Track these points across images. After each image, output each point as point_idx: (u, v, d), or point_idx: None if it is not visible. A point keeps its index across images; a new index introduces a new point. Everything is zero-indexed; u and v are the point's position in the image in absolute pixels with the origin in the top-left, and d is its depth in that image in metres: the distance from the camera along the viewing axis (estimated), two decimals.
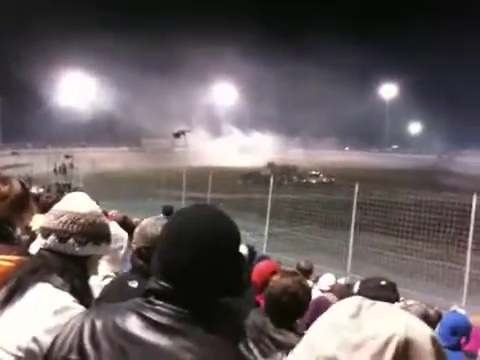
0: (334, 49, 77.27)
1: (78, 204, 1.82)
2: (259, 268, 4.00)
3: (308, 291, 2.62)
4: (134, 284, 2.31)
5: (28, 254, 2.10)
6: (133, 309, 1.20)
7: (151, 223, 2.46)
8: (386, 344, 0.82)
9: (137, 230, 2.55)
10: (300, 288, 2.57)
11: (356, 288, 3.46)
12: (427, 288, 9.22)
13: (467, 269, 9.56)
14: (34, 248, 2.39)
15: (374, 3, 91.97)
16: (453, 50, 73.17)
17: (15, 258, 2.00)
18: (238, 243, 1.29)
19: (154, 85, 68.12)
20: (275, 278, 2.64)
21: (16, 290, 1.60)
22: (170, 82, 70.26)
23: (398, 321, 0.86)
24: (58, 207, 1.83)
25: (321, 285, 5.98)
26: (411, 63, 77.99)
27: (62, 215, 1.79)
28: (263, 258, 5.89)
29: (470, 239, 9.64)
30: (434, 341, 0.86)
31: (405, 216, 11.26)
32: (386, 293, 2.64)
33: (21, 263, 1.94)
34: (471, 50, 69.93)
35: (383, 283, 2.67)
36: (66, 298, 1.60)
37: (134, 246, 2.53)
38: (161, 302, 1.19)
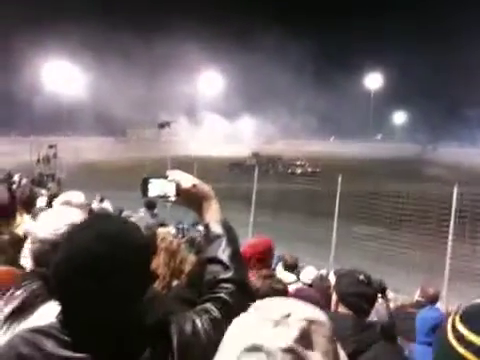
0: (319, 37, 77.36)
1: (76, 215, 1.79)
2: (251, 243, 3.95)
3: (280, 294, 2.62)
4: None
5: (16, 263, 2.11)
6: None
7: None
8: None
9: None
10: (271, 292, 2.58)
11: (332, 282, 3.46)
12: (409, 278, 9.35)
13: (447, 260, 9.72)
14: (26, 253, 2.40)
15: None
16: (441, 38, 73.51)
17: (1, 268, 2.01)
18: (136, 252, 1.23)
19: (139, 75, 67.53)
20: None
21: (23, 310, 1.59)
22: (155, 72, 69.78)
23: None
24: (55, 219, 1.79)
25: (303, 278, 6.03)
26: (396, 52, 78.34)
27: (59, 229, 1.75)
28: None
29: (451, 230, 9.78)
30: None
31: (389, 206, 11.40)
32: (365, 289, 2.65)
33: (6, 272, 1.95)
34: (459, 39, 70.37)
35: (361, 278, 2.68)
36: None
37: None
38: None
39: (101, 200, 11.84)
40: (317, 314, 0.88)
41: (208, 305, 1.39)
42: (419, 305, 5.24)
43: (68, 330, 1.19)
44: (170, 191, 1.59)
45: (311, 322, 0.85)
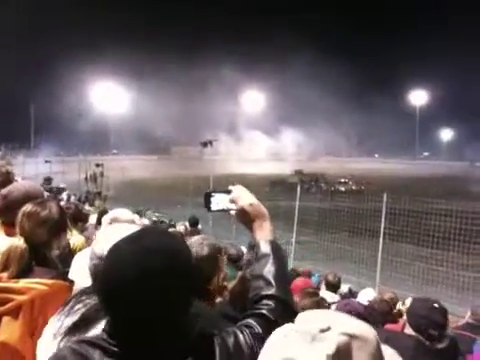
0: (365, 52, 76.70)
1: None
2: (295, 284, 4.02)
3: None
4: None
5: (65, 277, 2.18)
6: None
7: (198, 242, 2.42)
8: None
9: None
10: (315, 308, 2.58)
11: (407, 305, 3.45)
12: (457, 299, 9.03)
13: None
14: (75, 269, 2.47)
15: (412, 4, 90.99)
16: None
17: (51, 282, 2.08)
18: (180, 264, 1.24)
19: (181, 95, 68.83)
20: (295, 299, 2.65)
21: (84, 323, 1.61)
22: (199, 91, 70.95)
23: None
24: (113, 235, 1.83)
25: (360, 299, 5.92)
26: (441, 68, 76.76)
27: None
28: (292, 271, 5.89)
29: None
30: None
31: (435, 225, 11.07)
32: (436, 316, 2.66)
33: (57, 287, 2.00)
34: None
35: (435, 305, 2.69)
36: None
37: None
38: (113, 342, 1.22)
39: (139, 214, 12.01)
40: (361, 329, 0.85)
41: (250, 320, 1.41)
42: (471, 327, 5.06)
43: (115, 341, 1.21)
44: (231, 206, 1.64)
45: (352, 337, 0.82)
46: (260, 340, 1.30)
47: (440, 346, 2.73)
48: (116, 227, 1.81)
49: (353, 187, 32.20)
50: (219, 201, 1.67)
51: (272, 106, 79.55)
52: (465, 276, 10.18)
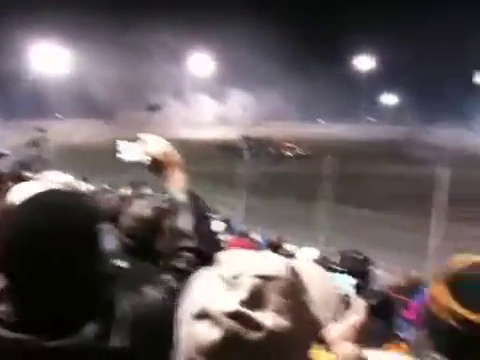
0: (309, 18, 76.67)
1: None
2: (231, 244, 4.03)
3: None
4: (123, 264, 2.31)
5: None
6: None
7: (141, 205, 2.51)
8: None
9: (127, 209, 2.57)
10: None
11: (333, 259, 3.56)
12: (399, 259, 9.42)
13: (432, 240, 9.79)
14: None
15: None
16: (433, 21, 73.26)
17: None
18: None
19: (127, 57, 66.81)
20: None
21: None
22: (142, 55, 69.03)
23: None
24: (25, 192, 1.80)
25: (299, 257, 6.04)
26: (387, 34, 78.00)
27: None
28: (241, 234, 5.94)
29: (435, 210, 9.87)
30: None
31: (379, 188, 11.42)
32: (357, 265, 2.75)
33: None
34: (453, 22, 70.21)
35: (360, 257, 2.77)
36: None
37: (123, 224, 2.52)
38: None
39: (84, 179, 11.75)
40: (274, 269, 0.82)
41: (168, 276, 1.38)
42: (402, 290, 5.31)
43: (9, 308, 1.16)
44: (142, 155, 1.59)
45: (264, 278, 0.80)
46: (177, 296, 1.26)
47: (370, 302, 2.82)
48: (25, 185, 1.80)
49: (299, 152, 32.62)
50: (133, 151, 1.61)
51: (218, 70, 78.70)
52: (405, 236, 10.59)
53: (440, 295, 1.23)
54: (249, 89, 72.72)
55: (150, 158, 1.58)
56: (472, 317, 1.15)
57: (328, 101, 73.60)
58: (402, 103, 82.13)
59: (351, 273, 2.69)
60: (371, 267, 3.41)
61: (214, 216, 7.98)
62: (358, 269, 2.79)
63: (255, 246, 5.98)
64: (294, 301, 0.82)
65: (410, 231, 10.41)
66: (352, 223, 11.49)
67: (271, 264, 0.83)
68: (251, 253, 0.88)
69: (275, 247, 6.42)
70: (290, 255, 6.69)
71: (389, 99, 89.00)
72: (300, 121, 70.30)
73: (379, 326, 2.95)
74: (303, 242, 10.09)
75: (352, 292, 2.21)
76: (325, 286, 0.93)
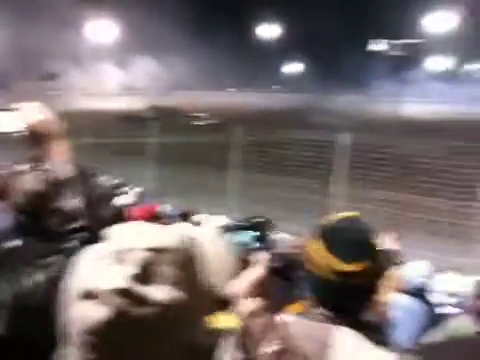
0: None
1: None
2: (138, 217, 4.00)
3: None
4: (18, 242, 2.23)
5: None
6: None
7: (31, 179, 2.37)
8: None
9: (16, 184, 2.45)
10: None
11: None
12: (306, 221, 9.85)
13: (334, 202, 10.39)
14: None
15: None
16: None
17: None
18: None
19: (21, 21, 62.15)
20: None
21: None
22: (38, 17, 64.58)
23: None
24: None
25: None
26: (289, 3, 79.20)
27: None
28: (151, 205, 5.92)
29: (336, 173, 10.49)
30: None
31: (285, 154, 11.79)
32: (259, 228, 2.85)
33: None
34: None
35: (254, 220, 2.86)
36: None
37: (15, 200, 2.42)
38: None
39: None
40: (166, 240, 0.80)
41: (59, 256, 1.25)
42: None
43: None
44: (20, 126, 1.45)
45: (155, 251, 0.76)
46: (63, 275, 1.14)
47: (274, 265, 2.99)
48: None
49: (207, 121, 32.61)
50: (8, 122, 1.46)
51: (121, 36, 75.71)
52: (309, 199, 11.01)
53: (315, 251, 1.29)
54: (155, 57, 70.98)
55: (27, 128, 1.44)
56: (345, 268, 1.23)
57: (235, 70, 73.89)
58: (304, 72, 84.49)
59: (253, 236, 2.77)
60: (274, 230, 3.54)
61: (123, 188, 7.82)
62: (258, 233, 2.88)
63: (164, 217, 5.97)
64: (189, 272, 0.80)
65: (315, 194, 10.87)
66: (261, 189, 11.80)
67: (162, 236, 0.80)
68: (143, 226, 0.84)
69: (185, 217, 6.47)
70: (199, 224, 6.80)
71: (292, 68, 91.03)
72: (208, 90, 70.01)
73: (284, 288, 3.09)
74: (215, 210, 10.25)
75: (255, 245, 2.29)
76: (220, 252, 0.92)
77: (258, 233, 2.73)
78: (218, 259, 0.89)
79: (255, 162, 12.08)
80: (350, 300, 1.28)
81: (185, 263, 0.79)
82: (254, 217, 2.88)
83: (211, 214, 8.37)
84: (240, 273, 1.03)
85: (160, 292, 0.74)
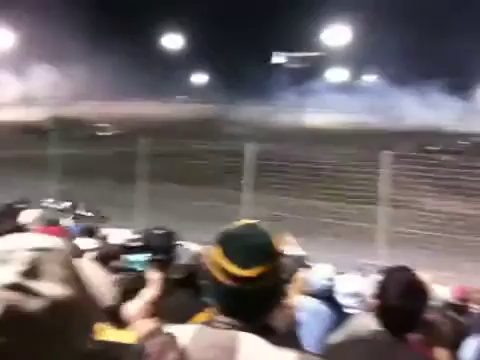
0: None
1: None
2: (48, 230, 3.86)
3: None
4: None
5: None
6: None
7: None
8: None
9: None
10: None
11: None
12: (213, 229, 9.89)
13: (243, 209, 10.58)
14: None
15: None
16: (238, 3, 76.51)
17: None
18: None
19: None
20: None
21: None
22: None
23: None
24: None
25: (112, 240, 5.96)
26: (195, 12, 79.64)
27: None
28: (52, 223, 5.62)
29: (245, 182, 10.71)
30: None
31: (192, 164, 11.79)
32: (161, 240, 2.83)
33: None
34: (255, 6, 74.06)
35: (159, 232, 2.83)
36: None
37: None
38: None
39: None
40: (49, 242, 0.83)
41: None
42: None
43: None
44: None
45: (41, 250, 0.80)
46: None
47: (175, 276, 3.00)
48: None
49: (113, 132, 31.89)
50: None
51: (18, 45, 71.92)
52: (220, 208, 11.10)
53: (214, 255, 1.31)
54: (54, 66, 68.01)
55: None
56: (241, 273, 1.24)
57: (138, 79, 72.76)
58: (210, 82, 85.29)
59: (153, 249, 2.75)
60: (178, 241, 3.51)
61: (23, 205, 7.43)
62: (160, 244, 2.86)
63: (67, 233, 5.70)
64: (74, 271, 0.83)
65: (223, 202, 10.95)
66: (169, 200, 11.69)
67: (45, 238, 0.84)
68: (26, 233, 0.85)
69: (90, 232, 6.24)
70: (105, 238, 6.58)
71: (198, 78, 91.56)
72: (111, 100, 68.38)
73: (190, 298, 3.08)
74: (121, 223, 10.01)
75: (147, 268, 2.25)
76: (96, 268, 0.95)
77: (159, 246, 2.70)
78: (95, 273, 0.91)
79: (162, 173, 11.96)
80: (251, 305, 1.29)
81: (69, 263, 0.82)
82: (156, 228, 2.83)
83: (117, 227, 8.16)
84: (138, 292, 1.03)
85: (49, 287, 0.76)
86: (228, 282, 1.26)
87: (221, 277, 1.28)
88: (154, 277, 1.12)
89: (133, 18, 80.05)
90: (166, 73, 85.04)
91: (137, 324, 1.10)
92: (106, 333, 2.12)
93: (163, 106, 64.55)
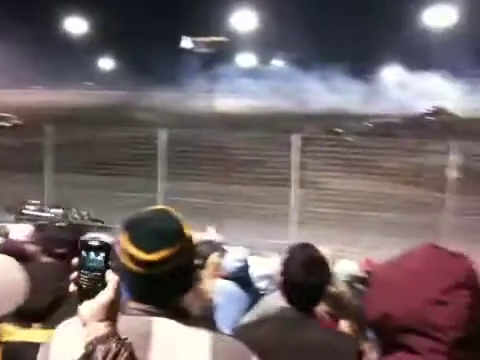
0: None
1: None
2: None
3: None
4: None
5: None
6: None
7: None
8: None
9: None
10: None
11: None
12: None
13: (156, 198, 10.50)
14: None
15: None
16: None
17: None
18: None
19: None
20: None
21: None
22: None
23: None
24: None
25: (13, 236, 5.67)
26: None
27: None
28: None
29: (159, 169, 10.60)
30: None
31: (104, 153, 11.45)
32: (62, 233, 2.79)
33: None
34: None
35: (61, 224, 2.82)
36: None
37: None
38: None
39: None
40: None
41: None
42: None
43: None
44: None
45: None
46: None
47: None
48: None
49: (15, 121, 30.25)
50: None
51: None
52: (130, 197, 10.80)
53: (122, 242, 1.30)
54: None
55: None
56: (146, 257, 1.24)
57: (39, 66, 68.85)
58: (117, 68, 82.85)
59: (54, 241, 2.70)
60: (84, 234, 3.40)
61: None
62: (65, 237, 2.81)
63: None
64: None
65: (135, 191, 10.69)
66: (79, 190, 11.23)
67: None
68: None
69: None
70: (6, 235, 6.25)
71: (105, 64, 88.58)
72: (9, 88, 64.35)
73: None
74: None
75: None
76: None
77: (61, 238, 2.63)
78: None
79: (71, 163, 11.50)
80: (161, 290, 1.29)
81: None
82: (57, 225, 2.74)
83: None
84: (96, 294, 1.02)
85: None
86: (135, 268, 1.26)
87: (129, 263, 1.27)
88: (112, 278, 1.11)
89: (34, 2, 75.71)
90: (70, 59, 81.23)
91: (89, 327, 1.07)
92: (15, 334, 2.03)
93: (68, 93, 61.84)
